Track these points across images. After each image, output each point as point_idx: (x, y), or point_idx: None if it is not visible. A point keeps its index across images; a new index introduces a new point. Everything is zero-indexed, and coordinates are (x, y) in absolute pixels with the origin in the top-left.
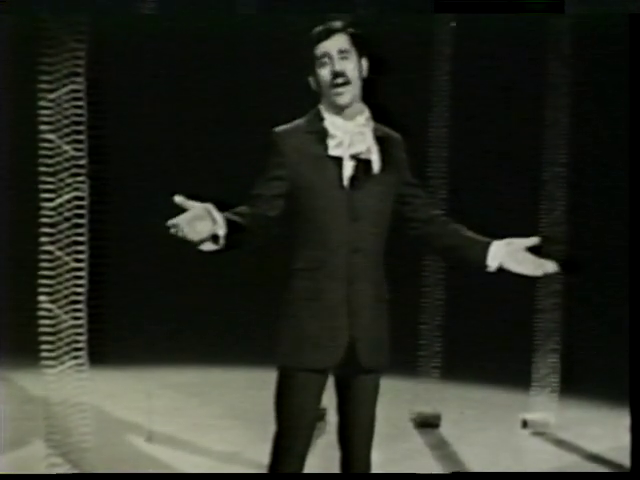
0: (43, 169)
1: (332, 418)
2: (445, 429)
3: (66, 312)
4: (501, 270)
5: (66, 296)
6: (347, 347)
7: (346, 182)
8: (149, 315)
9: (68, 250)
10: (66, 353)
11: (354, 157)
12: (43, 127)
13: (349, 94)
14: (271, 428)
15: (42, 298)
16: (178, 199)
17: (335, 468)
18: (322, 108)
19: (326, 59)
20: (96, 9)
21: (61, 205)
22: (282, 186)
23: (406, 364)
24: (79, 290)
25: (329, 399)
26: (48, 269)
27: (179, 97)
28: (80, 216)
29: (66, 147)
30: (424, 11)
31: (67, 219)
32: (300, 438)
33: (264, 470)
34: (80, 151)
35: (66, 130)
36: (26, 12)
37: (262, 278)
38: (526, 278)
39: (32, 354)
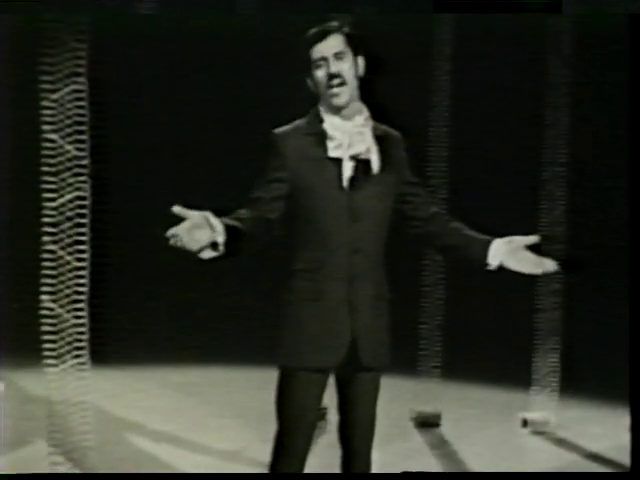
0: (45, 169)
1: (333, 417)
2: (445, 428)
3: (68, 311)
4: (501, 268)
5: (68, 295)
6: (348, 346)
7: (346, 183)
8: (150, 314)
9: (70, 249)
10: (68, 352)
11: (354, 158)
12: (45, 127)
13: (346, 95)
14: (272, 427)
15: (44, 297)
16: (176, 209)
17: (336, 467)
18: (321, 109)
19: (322, 61)
20: (97, 9)
21: (63, 205)
22: (282, 188)
23: (406, 363)
24: (81, 289)
25: (330, 398)
26: (50, 268)
27: (180, 97)
28: (82, 216)
29: (68, 147)
30: (423, 11)
31: (69, 219)
32: (301, 437)
33: (265, 469)
34: (82, 151)
35: (68, 130)
36: (28, 12)
37: (263, 278)
38: (526, 277)
39: (34, 353)
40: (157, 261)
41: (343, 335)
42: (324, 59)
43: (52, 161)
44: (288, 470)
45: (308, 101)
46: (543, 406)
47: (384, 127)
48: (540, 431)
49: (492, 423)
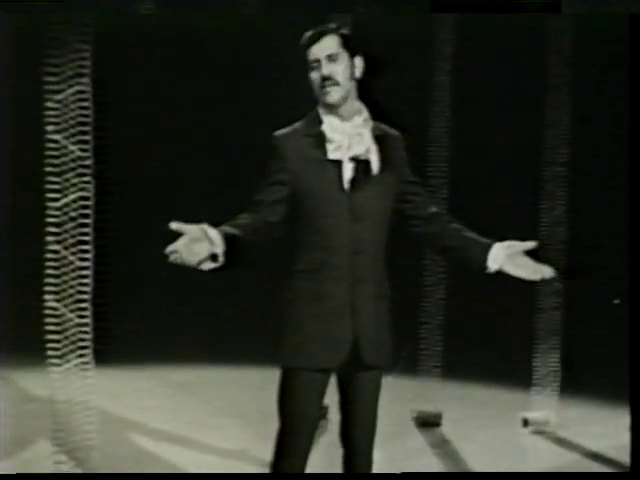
0: (49, 169)
1: (334, 417)
2: (446, 428)
3: (71, 311)
4: (499, 272)
5: (71, 295)
6: (350, 346)
7: (346, 184)
8: (152, 314)
9: (73, 249)
10: (72, 351)
11: (353, 159)
12: (49, 128)
13: (337, 93)
14: (273, 427)
15: (48, 297)
16: (174, 225)
17: (337, 466)
18: (320, 110)
19: (316, 63)
20: (101, 11)
21: (67, 205)
22: (283, 190)
23: (408, 363)
24: (84, 289)
25: (331, 398)
26: (54, 268)
27: (183, 98)
28: (85, 216)
29: (72, 147)
30: (422, 11)
31: (72, 219)
32: (303, 436)
33: (266, 468)
34: (86, 151)
35: (72, 131)
36: (32, 13)
37: (264, 278)
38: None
39: (38, 353)
40: (159, 261)
41: (345, 335)
42: (317, 61)
43: (56, 161)
44: (290, 469)
45: (310, 102)
46: (543, 406)
47: (383, 127)
48: (540, 430)
49: (493, 423)
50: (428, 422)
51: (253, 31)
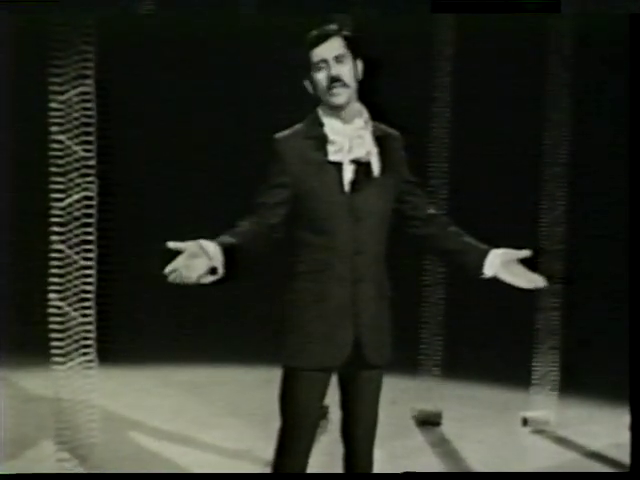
0: (53, 169)
1: (334, 416)
2: (446, 427)
3: (75, 309)
4: (494, 278)
5: (75, 294)
6: (352, 345)
7: (347, 186)
8: (155, 313)
9: (77, 249)
10: (75, 350)
11: (354, 161)
12: (53, 128)
13: (345, 95)
14: (274, 426)
15: (52, 296)
16: (171, 244)
17: (337, 465)
18: (320, 112)
19: (322, 64)
20: (105, 12)
21: (71, 205)
22: (285, 192)
23: (408, 363)
24: (88, 288)
25: (331, 397)
26: (58, 267)
27: (187, 98)
28: (89, 215)
29: (76, 148)
30: (421, 11)
31: (76, 218)
32: (304, 435)
33: (268, 467)
34: (89, 152)
35: (76, 131)
36: (36, 14)
37: (265, 278)
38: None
39: (41, 351)
40: (162, 260)
41: (347, 334)
42: (325, 62)
43: (60, 162)
44: (291, 468)
45: (310, 103)
46: (543, 405)
47: (383, 127)
48: (540, 430)
49: (492, 422)
50: (428, 421)
51: (253, 31)
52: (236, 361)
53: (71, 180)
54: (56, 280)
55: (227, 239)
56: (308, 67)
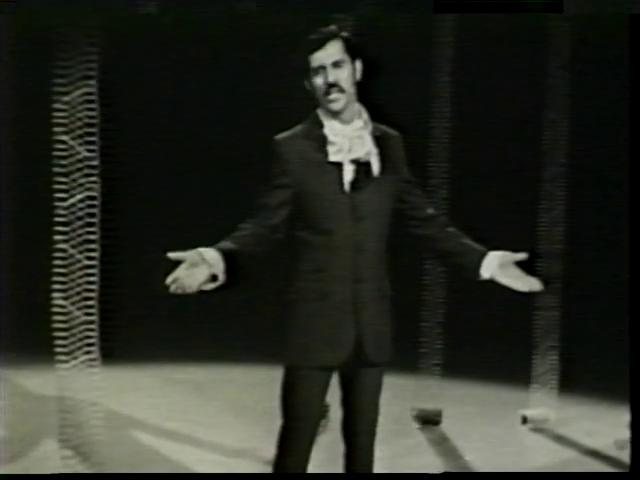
0: (57, 170)
1: (334, 415)
2: (446, 425)
3: (79, 308)
4: (491, 280)
5: (78, 293)
6: (354, 343)
7: (347, 186)
8: (158, 312)
9: (81, 248)
10: (79, 348)
11: (354, 161)
12: (57, 129)
13: (342, 100)
14: (276, 424)
15: (56, 295)
16: (171, 255)
17: (338, 464)
18: (320, 113)
19: (320, 69)
20: (108, 13)
21: (74, 204)
22: (286, 193)
23: (408, 361)
24: (91, 287)
25: (331, 396)
26: (61, 267)
27: (190, 99)
28: (92, 215)
29: (79, 148)
30: (424, 11)
31: (80, 218)
32: (305, 434)
33: (269, 465)
34: (92, 152)
35: (79, 132)
36: (40, 16)
37: (267, 278)
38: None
39: (45, 350)
40: (165, 260)
41: (348, 333)
42: (322, 67)
43: (63, 162)
44: (292, 466)
45: (310, 103)
46: (543, 403)
47: (382, 127)
48: (540, 428)
49: (492, 420)
50: (428, 420)
51: (255, 32)
52: (238, 360)
53: (74, 180)
54: (59, 279)
55: (227, 245)
56: (307, 70)
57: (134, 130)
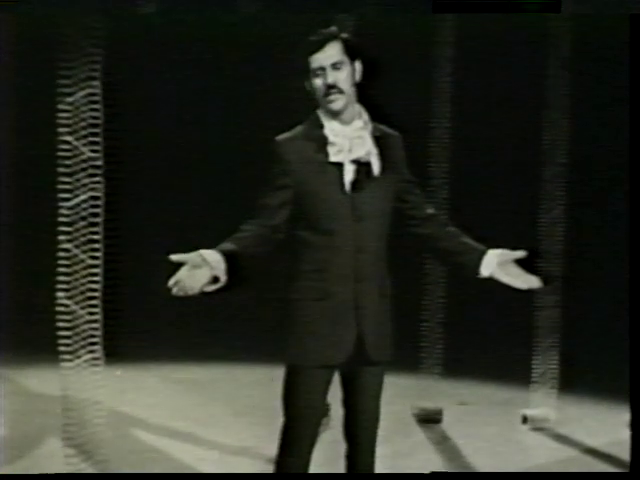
0: (61, 170)
1: (335, 414)
2: (447, 424)
3: (82, 307)
4: (490, 278)
5: (82, 292)
6: (355, 342)
7: (348, 186)
8: (161, 311)
9: (84, 248)
10: (82, 347)
11: (354, 162)
12: (61, 129)
13: (342, 101)
14: (278, 423)
15: (59, 294)
16: (174, 257)
17: (339, 463)
18: (320, 113)
19: (319, 71)
20: (112, 14)
21: (78, 205)
22: (287, 193)
23: (409, 361)
24: (95, 286)
25: (332, 395)
26: (65, 266)
27: (193, 99)
28: (96, 215)
29: (83, 149)
30: (422, 11)
31: (83, 218)
32: (307, 432)
33: (271, 464)
34: (96, 152)
35: (83, 132)
36: (43, 17)
37: (269, 278)
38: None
39: (49, 349)
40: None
41: (349, 332)
42: (322, 69)
43: (67, 162)
44: (294, 465)
45: (310, 104)
46: (543, 403)
47: (382, 127)
48: (540, 427)
49: (492, 419)
50: (429, 419)
51: (256, 32)
52: (239, 359)
53: (78, 180)
54: (63, 279)
55: (228, 246)
56: (307, 71)
57: (138, 131)
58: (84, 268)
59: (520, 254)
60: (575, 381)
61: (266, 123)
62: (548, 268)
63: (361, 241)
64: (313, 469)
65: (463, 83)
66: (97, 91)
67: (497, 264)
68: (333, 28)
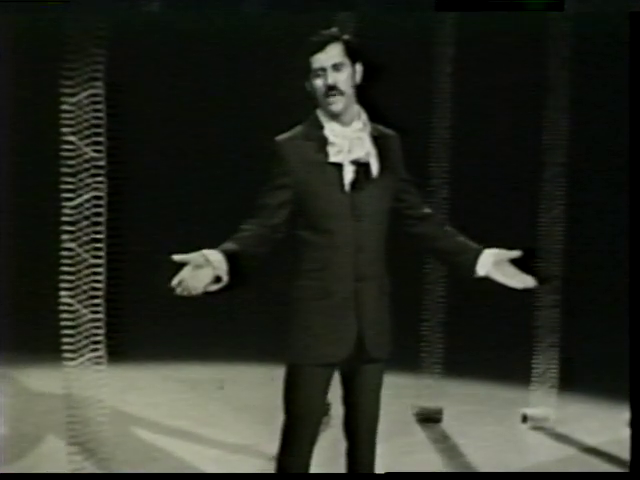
0: (64, 170)
1: (335, 412)
2: (447, 423)
3: (85, 307)
4: (486, 278)
5: (85, 291)
6: (355, 341)
7: (347, 186)
8: (164, 311)
9: (87, 247)
10: (85, 346)
11: (354, 162)
12: (64, 130)
13: (341, 103)
14: (279, 422)
15: (63, 293)
16: (176, 257)
17: (339, 462)
18: (320, 114)
19: (320, 71)
20: (115, 14)
21: (81, 204)
22: (287, 193)
23: (409, 360)
24: (98, 285)
25: (332, 394)
26: (68, 265)
27: (195, 99)
28: (99, 215)
29: (86, 149)
30: (425, 9)
31: (86, 218)
32: (308, 431)
33: (271, 462)
34: (99, 152)
35: (86, 132)
36: (48, 17)
37: (270, 278)
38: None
39: (52, 348)
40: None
41: (349, 330)
42: (322, 70)
43: (70, 162)
44: (295, 464)
45: (310, 104)
46: (543, 402)
47: (380, 127)
48: (540, 426)
49: (492, 419)
50: (429, 418)
51: (256, 32)
52: (240, 359)
53: (81, 180)
54: (67, 278)
55: (230, 246)
56: (307, 72)
57: (140, 131)
58: (87, 267)
59: (516, 254)
60: (575, 380)
61: (266, 123)
62: (548, 268)
63: (361, 240)
64: (314, 469)
65: (463, 83)
66: (100, 91)
67: (493, 264)
68: (335, 29)
